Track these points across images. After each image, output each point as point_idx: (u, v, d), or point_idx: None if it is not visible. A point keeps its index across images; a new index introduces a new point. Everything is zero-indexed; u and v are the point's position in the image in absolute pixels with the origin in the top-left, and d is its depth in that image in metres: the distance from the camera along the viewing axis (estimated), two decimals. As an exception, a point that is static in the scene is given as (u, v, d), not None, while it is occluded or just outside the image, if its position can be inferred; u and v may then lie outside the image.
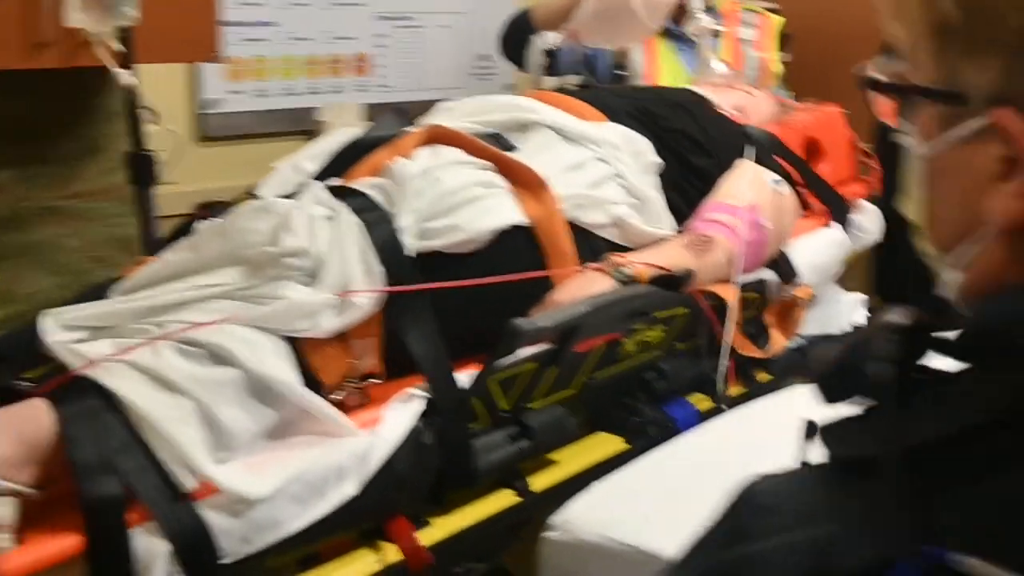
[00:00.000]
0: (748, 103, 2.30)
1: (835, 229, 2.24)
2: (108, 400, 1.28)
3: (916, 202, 0.70)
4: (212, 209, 1.66)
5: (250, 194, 1.67)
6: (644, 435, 1.79)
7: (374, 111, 2.79)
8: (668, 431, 1.79)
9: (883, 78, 0.68)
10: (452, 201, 1.61)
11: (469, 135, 1.73)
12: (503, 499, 1.61)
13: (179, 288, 1.43)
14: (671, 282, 1.77)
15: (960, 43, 0.61)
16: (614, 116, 1.97)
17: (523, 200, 1.69)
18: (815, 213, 2.23)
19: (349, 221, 1.52)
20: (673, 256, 1.81)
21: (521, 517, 1.64)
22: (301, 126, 2.79)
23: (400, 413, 1.47)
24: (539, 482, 1.65)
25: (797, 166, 2.20)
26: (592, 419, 1.80)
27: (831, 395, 0.72)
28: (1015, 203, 0.60)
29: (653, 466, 1.57)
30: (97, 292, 1.51)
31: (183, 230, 1.66)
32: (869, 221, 2.38)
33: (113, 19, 1.66)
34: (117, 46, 1.70)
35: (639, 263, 1.75)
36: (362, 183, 1.60)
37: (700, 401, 1.89)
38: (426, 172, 1.61)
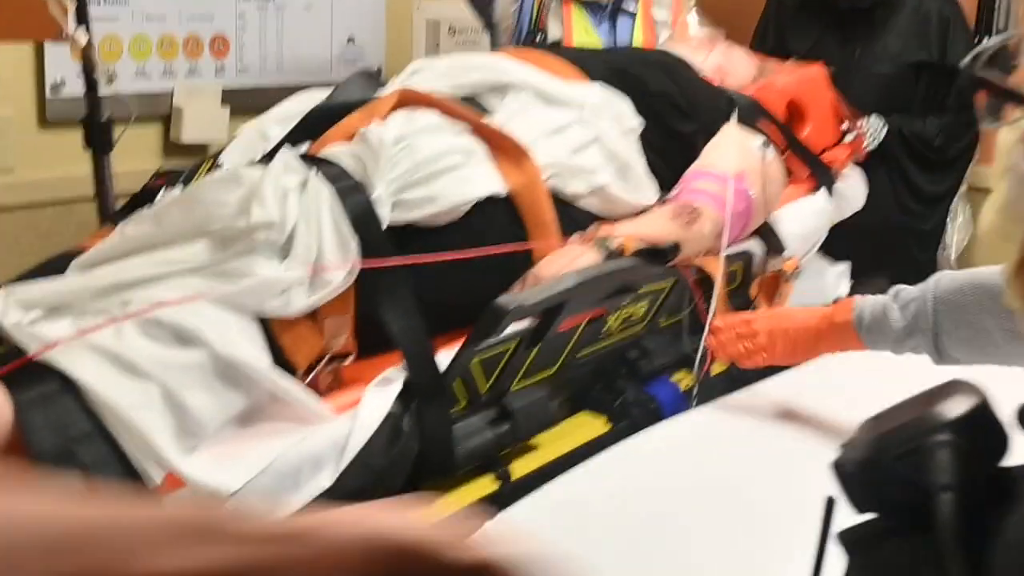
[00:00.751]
0: (726, 64, 2.22)
1: (820, 196, 2.17)
2: (67, 385, 1.18)
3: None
4: (170, 178, 1.55)
5: (213, 160, 1.56)
6: (627, 416, 1.72)
7: (233, 96, 2.61)
8: (651, 412, 1.72)
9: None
10: (429, 170, 1.51)
11: (443, 98, 1.63)
12: (483, 486, 1.53)
13: (142, 263, 1.33)
14: (657, 255, 1.70)
15: None
16: (593, 75, 1.88)
17: (502, 168, 1.60)
18: (799, 180, 2.16)
19: (321, 191, 1.42)
20: (659, 227, 1.74)
21: (501, 504, 1.57)
22: (156, 110, 2.55)
23: (378, 398, 1.39)
24: (520, 468, 1.58)
25: (781, 131, 2.12)
26: (573, 398, 1.72)
27: (860, 505, 0.65)
28: None
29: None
30: (55, 266, 1.40)
31: (142, 201, 1.55)
32: (852, 187, 2.31)
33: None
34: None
35: (624, 235, 1.67)
36: (335, 150, 1.50)
37: (684, 379, 1.82)
38: (400, 138, 1.52)
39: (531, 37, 2.55)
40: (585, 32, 2.61)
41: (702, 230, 1.79)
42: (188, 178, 1.54)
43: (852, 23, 2.72)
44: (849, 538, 0.67)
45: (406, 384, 1.41)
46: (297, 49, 2.76)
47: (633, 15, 2.60)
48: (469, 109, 1.64)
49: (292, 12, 2.72)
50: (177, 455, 1.21)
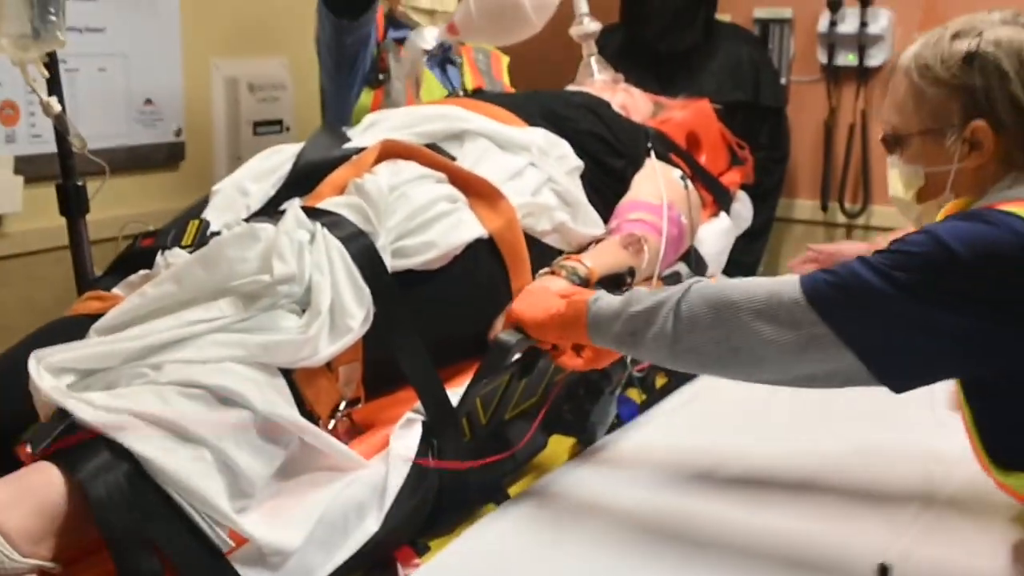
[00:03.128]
0: (629, 103, 2.36)
1: (724, 218, 2.35)
2: (127, 459, 1.16)
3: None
4: (159, 237, 1.53)
5: (201, 220, 1.55)
6: (593, 434, 1.82)
7: (27, 164, 2.36)
8: (614, 428, 1.84)
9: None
10: (423, 218, 1.57)
11: (421, 148, 1.69)
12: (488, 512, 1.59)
13: (169, 325, 1.31)
14: (617, 280, 1.81)
15: None
16: (530, 120, 1.98)
17: (479, 211, 1.67)
18: (705, 204, 2.33)
19: (331, 242, 1.45)
20: (615, 256, 1.85)
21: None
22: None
23: (404, 439, 1.43)
24: (514, 491, 1.65)
25: (687, 161, 2.28)
26: (548, 422, 1.80)
27: None
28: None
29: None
30: (64, 332, 1.36)
31: (128, 261, 1.53)
32: (744, 208, 2.51)
33: None
34: None
35: (589, 266, 1.77)
36: (332, 203, 1.53)
37: (637, 396, 1.94)
38: (393, 188, 1.56)
39: (373, 76, 2.54)
40: (429, 78, 2.65)
41: (647, 256, 1.92)
42: (177, 237, 1.52)
43: (670, 66, 2.95)
44: None
45: (424, 424, 1.46)
46: (93, 112, 2.50)
47: (459, 63, 2.65)
48: (443, 158, 1.70)
49: (86, 75, 2.49)
50: (240, 518, 1.21)
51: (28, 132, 2.42)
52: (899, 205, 1.53)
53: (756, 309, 1.32)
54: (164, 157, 2.66)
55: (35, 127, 2.42)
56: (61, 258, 1.90)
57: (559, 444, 1.81)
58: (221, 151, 2.75)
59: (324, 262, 1.42)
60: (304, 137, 1.84)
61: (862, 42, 3.13)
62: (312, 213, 1.47)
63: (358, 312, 1.41)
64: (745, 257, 2.88)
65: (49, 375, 1.23)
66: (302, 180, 1.62)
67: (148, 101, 2.62)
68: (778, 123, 3.10)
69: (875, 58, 3.12)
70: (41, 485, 1.12)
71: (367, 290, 1.43)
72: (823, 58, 3.21)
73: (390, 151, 1.65)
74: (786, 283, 1.33)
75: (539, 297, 1.57)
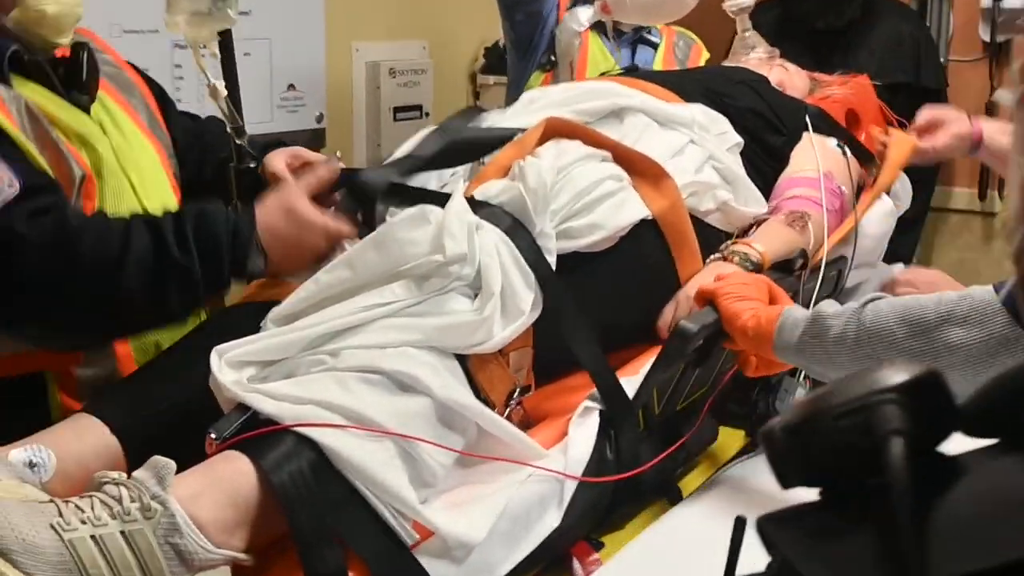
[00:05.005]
0: (786, 79, 2.26)
1: (885, 200, 2.22)
2: (311, 448, 1.13)
3: None
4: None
5: None
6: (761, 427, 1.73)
7: None
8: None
9: None
10: (589, 198, 1.50)
11: (585, 126, 1.62)
12: (660, 509, 1.53)
13: (344, 311, 1.28)
14: (789, 265, 1.72)
15: None
16: (688, 97, 1.90)
17: (643, 191, 1.60)
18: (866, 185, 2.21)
19: (492, 228, 1.40)
20: (784, 237, 1.75)
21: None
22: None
23: (583, 429, 1.37)
24: (685, 484, 1.58)
25: (848, 141, 2.17)
26: (718, 413, 1.73)
27: (788, 477, 0.56)
28: None
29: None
30: (238, 320, 1.34)
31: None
32: (903, 190, 2.37)
33: None
34: None
35: (759, 249, 1.68)
36: (491, 189, 1.47)
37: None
38: (559, 170, 1.50)
39: (546, 58, 2.54)
40: (603, 56, 2.62)
41: (813, 234, 1.82)
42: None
43: (828, 44, 2.81)
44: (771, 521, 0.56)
45: (601, 413, 1.40)
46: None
47: (655, 45, 2.63)
48: (607, 136, 1.63)
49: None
50: (425, 509, 1.17)
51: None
52: None
53: (946, 312, 1.23)
54: (304, 144, 2.64)
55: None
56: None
57: (729, 437, 1.73)
58: (360, 138, 2.73)
59: (491, 247, 1.37)
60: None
61: (1030, 17, 2.95)
62: (471, 204, 1.43)
63: (527, 295, 1.36)
64: (899, 249, 2.74)
65: (230, 369, 1.21)
66: (453, 160, 1.58)
67: (291, 86, 2.60)
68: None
69: (1043, 33, 2.94)
70: (232, 474, 1.10)
71: (532, 274, 1.38)
72: (985, 35, 3.03)
73: (555, 129, 1.59)
74: (977, 288, 1.25)
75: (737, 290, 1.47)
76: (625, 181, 1.58)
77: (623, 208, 1.54)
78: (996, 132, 2.05)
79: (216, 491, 1.07)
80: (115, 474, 1.05)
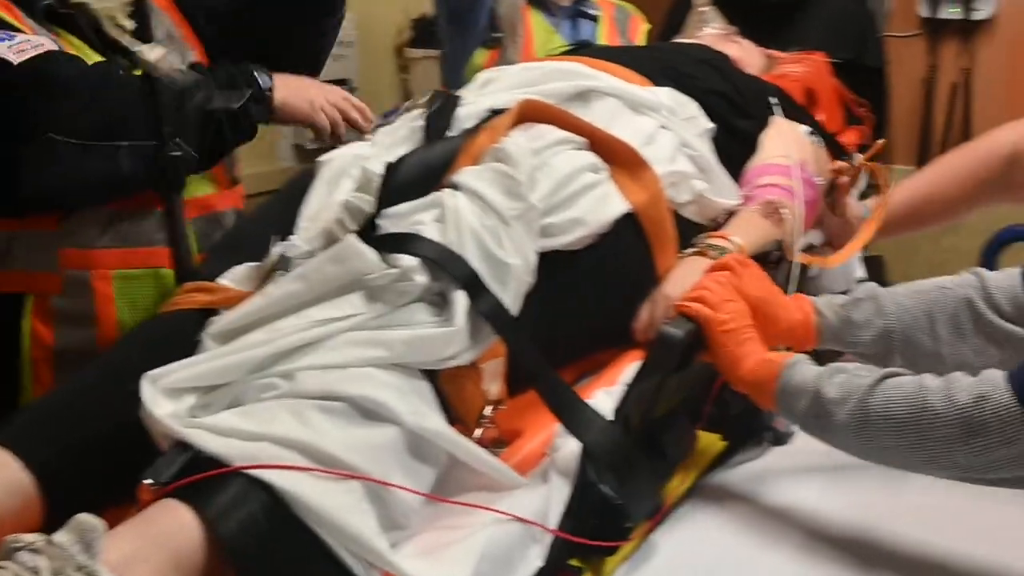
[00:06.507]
0: (744, 57, 2.13)
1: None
2: (264, 491, 0.96)
3: None
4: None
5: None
6: (737, 428, 1.62)
7: None
8: (760, 420, 1.63)
9: None
10: (568, 192, 1.35)
11: (561, 109, 1.47)
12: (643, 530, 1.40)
13: (296, 326, 1.11)
14: (765, 258, 1.60)
15: None
16: (652, 78, 1.75)
17: (621, 182, 1.46)
18: (828, 167, 2.11)
19: (462, 227, 1.24)
20: (760, 229, 1.64)
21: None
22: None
23: (564, 453, 1.23)
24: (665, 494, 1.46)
25: (808, 121, 2.06)
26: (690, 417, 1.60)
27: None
28: None
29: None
30: (171, 333, 1.16)
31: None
32: (862, 172, 2.28)
33: None
34: None
35: (736, 242, 1.56)
36: (465, 178, 1.31)
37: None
38: (535, 153, 1.35)
39: (487, 34, 2.39)
40: (545, 32, 2.47)
41: (789, 224, 1.71)
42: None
43: (771, 18, 2.70)
44: None
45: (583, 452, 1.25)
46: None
47: (595, 18, 2.49)
48: (585, 121, 1.47)
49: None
50: (396, 556, 1.02)
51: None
52: None
53: (962, 420, 1.10)
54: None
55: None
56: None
57: (703, 439, 1.61)
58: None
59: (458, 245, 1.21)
60: (371, 96, 1.65)
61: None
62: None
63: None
64: None
65: (165, 400, 1.03)
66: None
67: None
68: (880, 85, 2.86)
69: (982, 11, 2.87)
70: (172, 529, 0.92)
71: None
72: (924, 11, 2.97)
73: (529, 113, 1.43)
74: (994, 383, 1.10)
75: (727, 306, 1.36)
76: (604, 172, 1.44)
77: (605, 202, 1.40)
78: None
79: (155, 552, 0.90)
80: (31, 538, 0.86)
